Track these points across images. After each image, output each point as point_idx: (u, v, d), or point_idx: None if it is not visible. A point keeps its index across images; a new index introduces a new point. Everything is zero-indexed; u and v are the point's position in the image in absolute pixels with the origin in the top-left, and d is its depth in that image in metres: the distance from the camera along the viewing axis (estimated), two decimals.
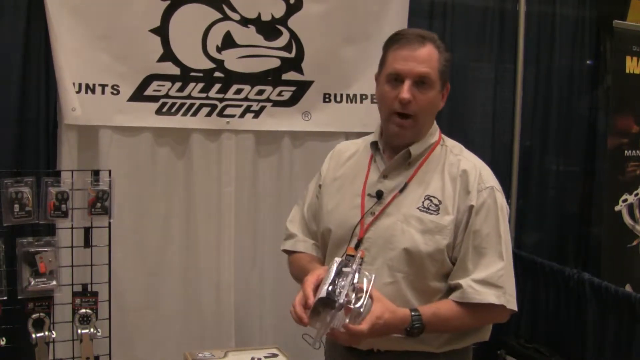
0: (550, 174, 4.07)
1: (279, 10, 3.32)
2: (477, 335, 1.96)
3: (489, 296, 1.81)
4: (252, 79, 3.33)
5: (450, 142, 2.03)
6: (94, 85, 3.13)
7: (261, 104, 3.35)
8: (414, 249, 1.85)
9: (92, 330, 2.76)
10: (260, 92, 3.34)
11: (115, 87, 3.16)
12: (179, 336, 3.32)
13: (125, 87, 3.17)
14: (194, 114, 3.28)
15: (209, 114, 3.29)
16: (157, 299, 3.33)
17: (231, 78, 3.30)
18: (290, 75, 3.39)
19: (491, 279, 1.81)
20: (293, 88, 3.40)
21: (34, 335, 2.70)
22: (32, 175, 2.75)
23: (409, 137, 1.95)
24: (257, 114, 3.36)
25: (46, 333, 2.71)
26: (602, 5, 4.04)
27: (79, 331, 2.75)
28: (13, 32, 3.05)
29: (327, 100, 3.46)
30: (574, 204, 4.13)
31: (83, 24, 3.07)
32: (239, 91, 3.32)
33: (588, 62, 4.09)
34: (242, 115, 3.34)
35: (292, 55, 3.37)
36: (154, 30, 3.17)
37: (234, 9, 3.26)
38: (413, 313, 1.80)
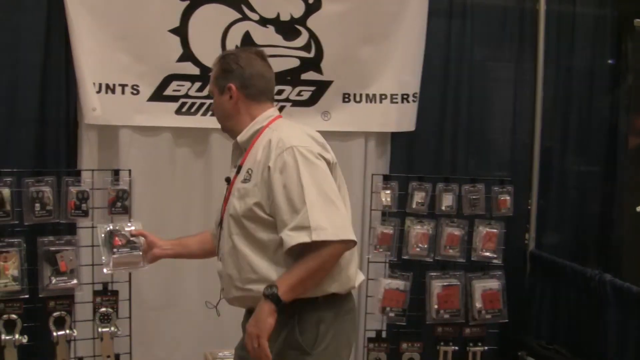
0: (570, 174, 4.03)
1: (298, 10, 3.33)
2: (326, 284, 2.10)
3: (301, 237, 1.99)
4: None
5: (277, 125, 2.22)
6: (114, 85, 3.15)
7: (280, 103, 3.35)
8: (234, 213, 2.14)
9: (112, 328, 2.78)
10: (280, 92, 3.34)
11: (135, 87, 3.18)
12: (199, 335, 3.33)
13: (145, 87, 3.19)
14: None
15: None
16: (177, 298, 3.34)
17: None
18: (310, 75, 3.39)
19: (300, 223, 2.00)
20: (312, 88, 3.40)
21: (55, 334, 2.72)
22: (53, 175, 2.78)
23: (228, 134, 2.33)
24: None
25: (67, 331, 2.73)
26: (622, 4, 4.00)
27: (100, 330, 2.77)
28: (33, 33, 3.07)
29: (346, 100, 3.46)
30: (594, 205, 4.09)
31: (103, 25, 3.10)
32: None
33: (609, 61, 4.05)
34: None
35: (311, 55, 3.37)
36: (173, 31, 3.18)
37: (253, 9, 3.27)
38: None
